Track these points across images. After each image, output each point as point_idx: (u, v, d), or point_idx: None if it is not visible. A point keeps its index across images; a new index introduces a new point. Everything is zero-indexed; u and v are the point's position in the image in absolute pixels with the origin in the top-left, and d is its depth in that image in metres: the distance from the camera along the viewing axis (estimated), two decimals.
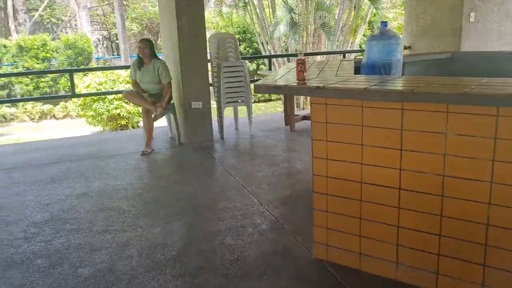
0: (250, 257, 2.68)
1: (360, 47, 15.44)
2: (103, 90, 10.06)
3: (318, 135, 2.41)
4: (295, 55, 11.50)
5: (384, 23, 3.17)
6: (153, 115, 5.19)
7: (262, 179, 4.08)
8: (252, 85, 5.48)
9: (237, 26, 15.45)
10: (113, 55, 21.14)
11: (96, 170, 4.56)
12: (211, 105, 5.59)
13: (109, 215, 3.37)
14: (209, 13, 16.45)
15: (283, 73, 2.68)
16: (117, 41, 21.61)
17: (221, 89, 5.57)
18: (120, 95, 9.14)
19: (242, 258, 2.67)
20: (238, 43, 6.23)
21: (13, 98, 13.94)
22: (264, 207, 3.43)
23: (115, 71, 10.66)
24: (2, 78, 14.39)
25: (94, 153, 5.25)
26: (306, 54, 11.50)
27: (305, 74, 2.23)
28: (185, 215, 3.34)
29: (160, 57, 5.42)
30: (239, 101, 5.76)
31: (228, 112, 5.95)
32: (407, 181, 2.15)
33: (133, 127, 10.67)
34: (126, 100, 7.99)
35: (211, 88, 5.76)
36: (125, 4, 18.51)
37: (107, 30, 21.38)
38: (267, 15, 11.99)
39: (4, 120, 13.94)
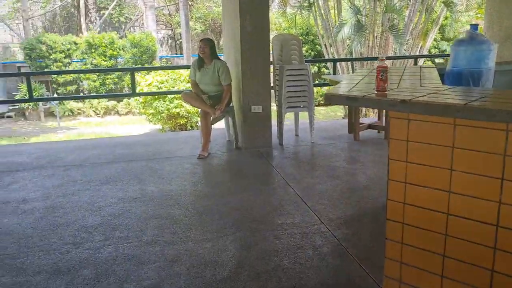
0: (309, 286, 2.38)
1: (429, 52, 14.63)
2: (164, 89, 10.12)
3: (396, 154, 2.06)
4: (364, 59, 11.05)
5: (474, 26, 2.77)
6: (211, 118, 5.01)
7: (323, 193, 3.76)
8: (316, 89, 5.17)
9: (300, 27, 15.14)
10: (176, 54, 21.52)
11: (151, 173, 4.43)
12: (271, 109, 5.33)
13: (160, 224, 3.19)
14: (272, 14, 16.26)
15: (357, 81, 2.36)
16: (180, 40, 21.99)
17: (283, 93, 5.30)
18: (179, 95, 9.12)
19: (300, 286, 2.37)
20: (302, 45, 5.93)
21: (77, 95, 14.62)
22: (325, 226, 3.11)
23: (177, 70, 10.70)
24: (71, 74, 15.00)
25: (150, 154, 5.16)
26: (370, 59, 10.99)
27: (386, 84, 1.90)
28: (239, 229, 3.10)
29: (221, 58, 5.23)
30: (301, 106, 5.47)
31: (288, 117, 5.68)
32: (509, 218, 1.76)
33: (191, 127, 10.67)
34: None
35: (272, 91, 5.51)
36: (190, 4, 18.74)
37: (172, 30, 21.79)
38: (332, 16, 11.57)
39: (71, 114, 14.50)
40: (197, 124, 10.72)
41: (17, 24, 20.68)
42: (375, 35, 11.11)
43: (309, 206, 3.48)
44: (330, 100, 1.96)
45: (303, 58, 5.70)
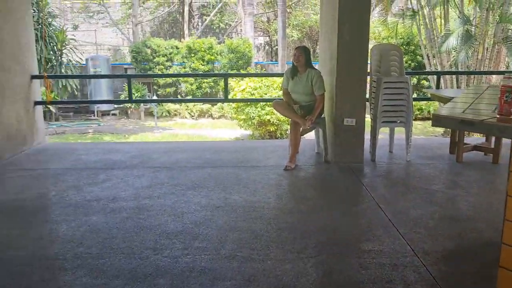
0: None
1: None
2: (257, 95, 10.16)
3: None
4: (473, 73, 10.17)
5: None
6: (301, 129, 4.84)
7: (418, 220, 3.40)
8: (413, 103, 4.76)
9: (400, 37, 14.44)
10: (271, 60, 21.70)
11: (236, 181, 4.37)
12: (365, 123, 5.02)
13: (240, 238, 3.08)
14: (372, 23, 15.67)
15: (470, 100, 2.04)
16: (276, 47, 22.14)
17: (379, 107, 4.97)
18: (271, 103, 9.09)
19: None
20: (403, 56, 5.53)
21: (172, 99, 15.43)
22: (419, 259, 2.78)
23: (270, 77, 10.70)
24: (170, 78, 15.75)
25: (237, 161, 5.13)
26: (479, 73, 10.05)
27: None
28: (322, 252, 2.88)
29: (315, 67, 5.04)
30: (398, 121, 5.09)
31: (382, 130, 5.32)
32: None
33: (281, 135, 10.59)
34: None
35: (367, 104, 5.20)
36: (288, 11, 18.78)
37: (269, 36, 22.02)
38: (438, 25, 10.82)
39: (168, 115, 15.19)
40: (287, 132, 10.62)
41: (128, 28, 22.27)
42: (486, 47, 10.19)
43: (401, 233, 3.15)
44: (439, 122, 1.69)
45: (404, 70, 5.31)
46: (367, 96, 5.30)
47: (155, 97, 14.67)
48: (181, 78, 15.82)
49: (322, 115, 5.12)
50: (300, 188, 4.34)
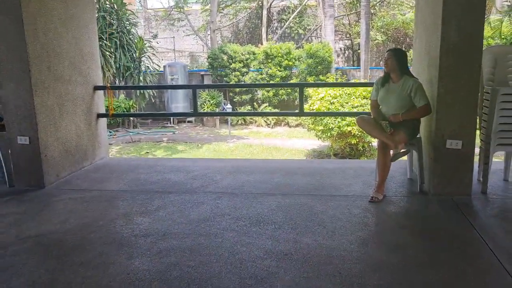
0: None
1: None
2: (337, 104, 9.26)
3: None
4: None
5: None
6: (391, 152, 3.94)
7: None
8: None
9: (503, 37, 12.72)
10: (353, 65, 20.55)
11: (310, 215, 3.59)
12: (475, 146, 4.00)
13: None
14: None
15: None
16: (359, 51, 20.93)
17: (493, 125, 3.93)
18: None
19: None
20: None
21: (241, 112, 14.86)
22: None
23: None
24: (242, 87, 15.30)
25: (312, 187, 4.34)
26: None
27: None
28: None
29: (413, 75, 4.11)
30: None
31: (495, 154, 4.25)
32: None
33: (363, 148, 9.59)
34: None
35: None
36: (372, 12, 17.56)
37: (350, 40, 20.87)
38: None
39: (244, 123, 14.73)
40: (371, 145, 9.59)
41: (207, 35, 22.31)
42: None
43: None
44: None
45: None
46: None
47: (229, 106, 14.21)
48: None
49: (418, 135, 4.17)
50: (391, 230, 3.44)
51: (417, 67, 4.66)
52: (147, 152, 10.84)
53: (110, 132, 13.03)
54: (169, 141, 12.21)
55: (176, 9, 22.31)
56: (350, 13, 20.17)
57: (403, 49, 20.35)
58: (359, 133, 9.13)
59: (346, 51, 22.17)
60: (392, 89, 4.05)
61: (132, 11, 13.46)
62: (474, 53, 3.77)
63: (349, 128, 9.06)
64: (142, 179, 4.83)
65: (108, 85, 5.35)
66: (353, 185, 4.40)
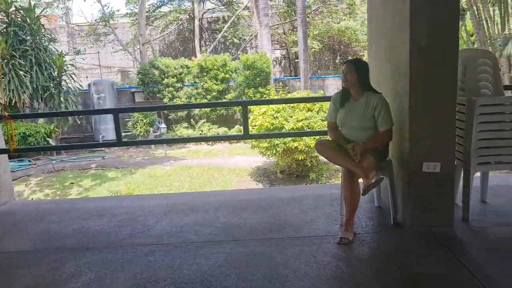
0: None
1: None
2: (280, 118, 8.59)
3: None
4: None
5: None
6: (361, 183, 3.24)
7: None
8: None
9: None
10: (290, 75, 20.19)
11: (269, 272, 2.79)
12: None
13: None
14: None
15: None
16: (296, 60, 20.62)
17: (472, 142, 3.36)
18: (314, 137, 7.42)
19: None
20: (499, 66, 3.90)
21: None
22: None
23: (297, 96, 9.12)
24: (182, 99, 14.33)
25: (267, 227, 3.56)
26: None
27: None
28: None
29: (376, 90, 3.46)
30: (503, 161, 3.46)
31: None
32: None
33: (311, 163, 8.99)
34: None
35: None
36: (307, 21, 17.28)
37: (286, 49, 20.53)
38: (495, 26, 9.14)
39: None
40: (318, 159, 9.01)
41: (137, 49, 21.06)
42: None
43: None
44: None
45: (502, 87, 3.67)
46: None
47: (163, 126, 13.12)
48: (193, 99, 14.40)
49: (388, 158, 3.52)
50: (371, 281, 2.71)
51: (375, 78, 4.03)
52: (72, 183, 9.58)
53: (29, 161, 11.56)
54: (98, 167, 10.97)
55: (101, 23, 20.90)
56: (286, 22, 19.83)
57: (336, 57, 20.31)
58: (306, 149, 8.51)
59: (283, 61, 21.83)
60: (353, 108, 3.38)
61: (44, 26, 12.09)
62: (449, 58, 3.18)
63: (295, 144, 8.42)
64: (53, 231, 3.81)
65: (6, 114, 4.28)
66: (315, 221, 3.66)
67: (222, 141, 13.77)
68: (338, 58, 20.50)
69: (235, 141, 13.64)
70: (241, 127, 13.15)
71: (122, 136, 4.67)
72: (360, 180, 3.26)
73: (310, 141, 8.45)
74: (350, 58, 15.61)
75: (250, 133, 4.99)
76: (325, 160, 9.22)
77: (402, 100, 3.35)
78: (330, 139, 3.54)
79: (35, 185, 9.50)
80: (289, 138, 8.40)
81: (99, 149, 13.21)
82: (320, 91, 12.98)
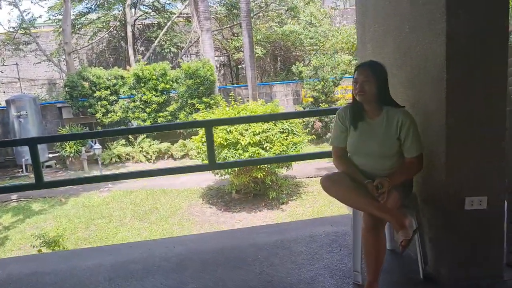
0: None
1: None
2: (235, 134, 7.58)
3: None
4: None
5: None
6: (398, 235, 2.33)
7: None
8: None
9: None
10: (232, 83, 19.26)
11: None
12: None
13: None
14: None
15: None
16: (240, 66, 19.72)
17: None
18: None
19: None
20: None
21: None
22: None
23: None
24: (118, 114, 12.91)
25: None
26: None
27: None
28: None
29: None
30: None
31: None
32: None
33: (271, 182, 8.06)
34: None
35: None
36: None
37: (228, 56, 19.57)
38: None
39: (118, 160, 12.33)
40: (278, 175, 8.10)
41: (63, 59, 19.17)
42: None
43: None
44: None
45: None
46: None
47: (98, 146, 11.51)
48: (131, 113, 13.02)
49: (413, 190, 2.65)
50: None
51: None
52: None
53: None
54: (20, 198, 9.34)
55: (21, 31, 18.81)
56: (228, 26, 18.87)
57: (278, 63, 19.60)
58: (266, 166, 7.58)
59: (222, 69, 20.84)
60: (370, 130, 2.49)
61: None
62: (497, 54, 2.37)
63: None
64: None
65: None
66: (317, 280, 2.71)
67: (166, 157, 12.54)
68: (279, 63, 19.89)
69: (179, 157, 12.45)
70: (185, 141, 11.99)
71: (42, 174, 3.45)
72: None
73: (270, 155, 7.53)
74: (293, 65, 14.89)
75: (218, 161, 3.96)
76: (285, 174, 8.33)
77: (432, 115, 2.49)
78: (340, 172, 2.59)
79: None
80: (247, 155, 7.43)
81: (23, 174, 11.49)
82: (277, 100, 12.11)
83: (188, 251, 3.34)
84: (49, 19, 20.37)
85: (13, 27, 19.59)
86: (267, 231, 3.71)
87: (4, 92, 18.44)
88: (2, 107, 12.38)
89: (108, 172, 11.34)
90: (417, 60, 2.60)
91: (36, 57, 19.76)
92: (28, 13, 22.15)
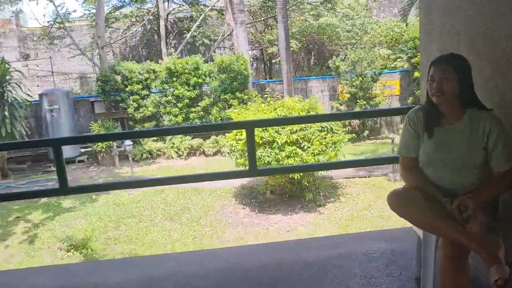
0: None
1: None
2: (272, 134, 7.16)
3: None
4: None
5: None
6: (493, 274, 1.86)
7: None
8: None
9: None
10: (264, 78, 18.81)
11: None
12: None
13: None
14: None
15: None
16: (273, 61, 19.27)
17: None
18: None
19: None
20: None
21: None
22: None
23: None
24: (149, 108, 12.71)
25: None
26: None
27: None
28: None
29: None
30: None
31: None
32: None
33: (307, 184, 7.63)
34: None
35: None
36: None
37: (261, 50, 19.12)
38: None
39: (149, 156, 12.13)
40: (314, 176, 7.64)
41: (96, 53, 19.21)
42: None
43: None
44: None
45: None
46: None
47: (129, 142, 11.29)
48: (162, 109, 12.80)
49: (498, 211, 2.17)
50: None
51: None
52: (18, 217, 7.88)
53: None
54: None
55: (55, 26, 18.93)
56: (262, 19, 18.41)
57: (311, 57, 19.00)
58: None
59: (255, 63, 20.42)
60: (450, 137, 2.02)
61: None
62: None
63: (290, 161, 7.03)
64: None
65: None
66: None
67: (198, 154, 12.26)
68: (312, 58, 19.32)
69: (211, 154, 12.15)
70: (218, 137, 11.66)
71: (67, 179, 3.14)
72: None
73: (308, 157, 7.10)
74: (330, 60, 14.29)
75: (259, 167, 3.53)
76: (323, 174, 7.86)
77: None
78: (411, 188, 2.14)
79: None
80: (283, 154, 7.01)
81: (54, 169, 11.43)
82: (316, 96, 11.65)
83: (225, 267, 2.96)
84: (84, 14, 20.46)
85: (48, 21, 19.76)
86: (316, 245, 3.29)
87: (38, 86, 18.60)
88: (35, 101, 12.36)
89: (139, 169, 11.15)
90: (506, 48, 2.10)
91: (69, 52, 19.90)
92: (63, 7, 22.38)
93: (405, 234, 3.16)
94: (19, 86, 10.71)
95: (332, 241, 3.45)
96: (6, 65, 10.30)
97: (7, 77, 10.36)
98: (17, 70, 11.11)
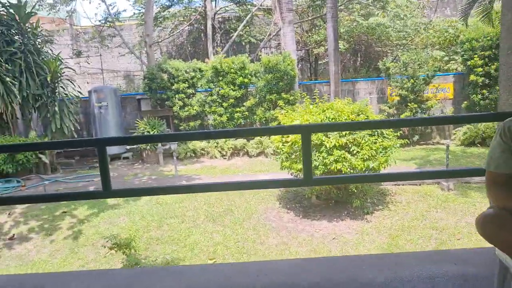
0: None
1: None
2: (320, 137, 6.88)
3: None
4: None
5: None
6: None
7: None
8: None
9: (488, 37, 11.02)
10: (310, 79, 18.44)
11: None
12: None
13: None
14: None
15: None
16: (320, 62, 18.88)
17: None
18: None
19: None
20: None
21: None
22: None
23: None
24: (195, 107, 12.71)
25: None
26: None
27: None
28: None
29: None
30: None
31: None
32: None
33: (357, 189, 7.27)
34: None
35: None
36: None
37: (308, 50, 18.77)
38: None
39: (193, 155, 12.10)
40: (368, 184, 7.28)
41: (144, 52, 19.45)
42: None
43: None
44: None
45: None
46: None
47: (175, 145, 11.33)
48: (208, 108, 12.75)
49: None
50: None
51: None
52: (64, 212, 7.97)
53: (18, 181, 9.97)
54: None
55: (107, 25, 19.36)
56: (310, 19, 18.06)
57: (359, 58, 18.48)
58: (351, 171, 6.80)
59: (301, 63, 20.06)
60: None
61: (39, 25, 10.51)
62: None
63: (338, 166, 6.71)
64: None
65: None
66: None
67: (241, 154, 12.12)
68: (359, 59, 18.75)
69: (255, 154, 11.96)
70: (262, 138, 11.44)
71: (110, 181, 3.01)
72: None
73: (357, 162, 6.75)
74: (380, 61, 13.83)
75: (314, 176, 3.27)
76: (376, 184, 7.49)
77: None
78: (505, 211, 1.83)
79: (20, 215, 7.90)
80: (332, 159, 6.70)
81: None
82: (366, 99, 11.23)
83: (275, 283, 2.73)
84: (133, 14, 20.80)
85: (100, 20, 20.24)
86: (372, 263, 2.99)
87: (88, 83, 19.07)
88: (85, 97, 12.62)
89: (183, 168, 11.12)
90: None
91: (119, 51, 20.28)
92: (114, 7, 22.87)
93: (479, 257, 2.82)
94: (71, 82, 10.94)
95: (391, 260, 3.14)
96: (59, 62, 10.52)
97: (59, 74, 10.58)
98: (69, 67, 11.35)
